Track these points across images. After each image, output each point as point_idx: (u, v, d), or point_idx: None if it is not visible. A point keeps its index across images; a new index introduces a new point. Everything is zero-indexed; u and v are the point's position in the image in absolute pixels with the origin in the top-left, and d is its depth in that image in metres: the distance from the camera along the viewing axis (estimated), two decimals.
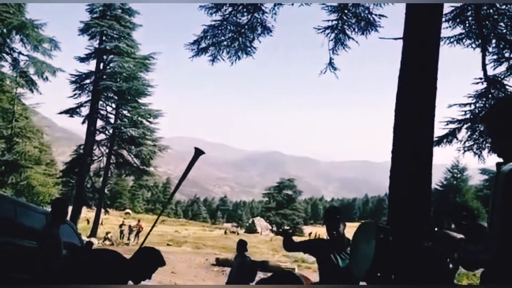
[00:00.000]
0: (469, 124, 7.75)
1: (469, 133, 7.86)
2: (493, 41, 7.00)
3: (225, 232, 43.40)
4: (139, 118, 26.05)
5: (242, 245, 7.63)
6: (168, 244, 25.61)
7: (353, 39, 6.93)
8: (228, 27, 7.25)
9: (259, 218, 55.67)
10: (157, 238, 29.56)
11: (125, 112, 26.33)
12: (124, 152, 26.66)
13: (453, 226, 2.29)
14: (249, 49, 7.47)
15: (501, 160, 1.89)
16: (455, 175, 35.95)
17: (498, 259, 1.61)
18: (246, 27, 7.25)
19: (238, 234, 38.64)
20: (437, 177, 35.53)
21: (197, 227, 54.64)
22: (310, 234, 50.21)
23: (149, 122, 26.54)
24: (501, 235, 1.62)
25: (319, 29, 6.94)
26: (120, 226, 26.62)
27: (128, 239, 26.02)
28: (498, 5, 6.50)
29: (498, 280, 1.65)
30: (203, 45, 7.31)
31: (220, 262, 16.62)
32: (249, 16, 7.15)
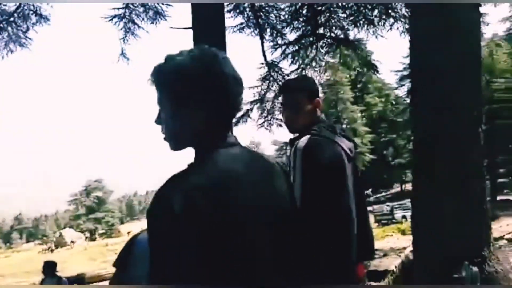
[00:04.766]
0: (258, 104, 8.74)
1: (259, 112, 8.86)
2: (268, 30, 8.00)
3: None
4: None
5: None
6: None
7: (143, 28, 6.82)
8: None
9: None
10: None
11: None
12: None
13: None
14: (23, 40, 6.45)
15: (293, 136, 1.93)
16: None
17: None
18: (16, 15, 6.20)
19: None
20: None
21: None
22: None
23: None
24: (303, 210, 1.52)
25: (106, 17, 6.52)
26: None
27: None
28: None
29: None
30: None
31: None
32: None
